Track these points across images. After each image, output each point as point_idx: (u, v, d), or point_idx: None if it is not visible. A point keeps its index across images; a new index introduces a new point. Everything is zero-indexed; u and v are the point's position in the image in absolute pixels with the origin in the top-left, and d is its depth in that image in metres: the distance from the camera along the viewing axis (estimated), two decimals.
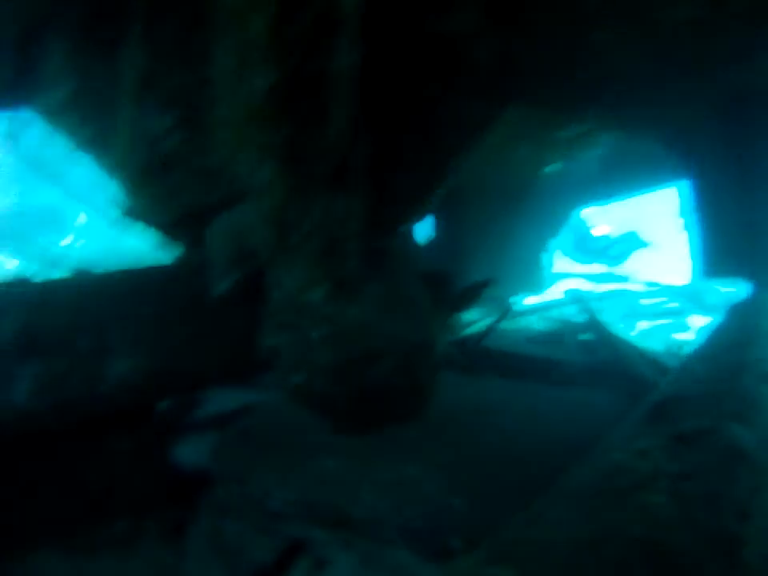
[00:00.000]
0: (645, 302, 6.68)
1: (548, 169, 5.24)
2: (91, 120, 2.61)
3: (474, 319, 4.99)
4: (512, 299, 5.92)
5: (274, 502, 2.40)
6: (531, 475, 2.47)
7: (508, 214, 5.79)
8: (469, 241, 5.74)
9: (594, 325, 4.77)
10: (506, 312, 4.76)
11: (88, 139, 2.65)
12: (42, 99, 2.59)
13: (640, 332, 5.54)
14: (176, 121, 2.27)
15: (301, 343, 1.98)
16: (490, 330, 4.54)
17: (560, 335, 4.89)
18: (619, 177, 5.45)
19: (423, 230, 6.00)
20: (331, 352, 1.93)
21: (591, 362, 4.16)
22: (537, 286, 6.23)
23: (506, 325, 5.39)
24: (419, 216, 2.74)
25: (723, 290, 6.62)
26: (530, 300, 6.19)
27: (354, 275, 2.02)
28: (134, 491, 2.45)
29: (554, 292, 6.41)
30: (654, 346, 5.06)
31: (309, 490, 2.39)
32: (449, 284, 2.41)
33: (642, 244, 8.76)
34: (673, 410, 1.83)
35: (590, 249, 8.29)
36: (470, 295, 2.41)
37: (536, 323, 5.55)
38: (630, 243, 8.55)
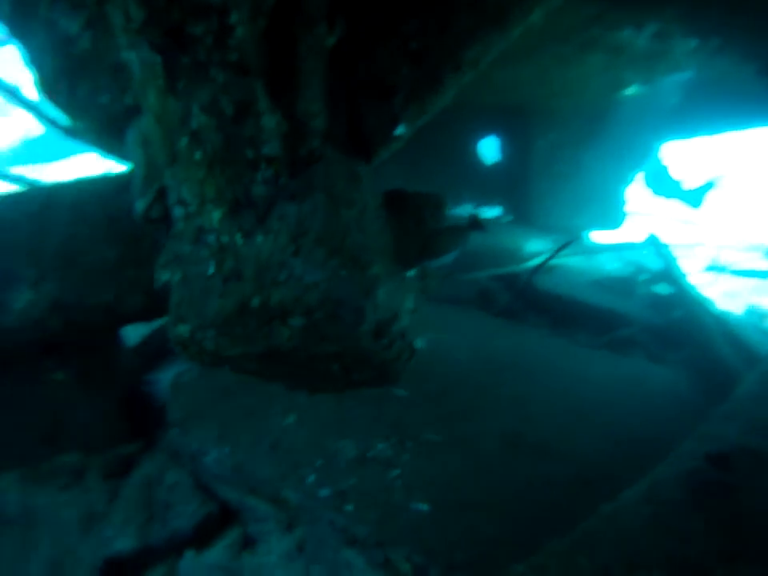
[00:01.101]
0: (730, 256, 5.23)
1: (627, 92, 4.01)
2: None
3: (536, 252, 4.04)
4: (583, 233, 4.83)
5: (209, 460, 1.86)
6: (536, 483, 1.69)
7: (583, 140, 4.63)
8: (537, 166, 4.68)
9: (670, 276, 3.65)
10: (563, 246, 3.76)
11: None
12: None
13: (721, 292, 4.25)
14: (86, 21, 1.65)
15: (193, 282, 1.35)
16: (541, 267, 3.61)
17: (631, 283, 3.83)
18: (706, 108, 4.12)
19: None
20: (222, 298, 1.27)
21: (661, 323, 3.14)
22: (613, 222, 5.04)
23: (573, 263, 4.38)
24: (415, 120, 1.92)
25: None
26: (604, 237, 5.05)
27: (261, 192, 1.31)
28: (82, 424, 2.05)
29: (632, 231, 5.19)
30: (735, 309, 3.84)
31: (249, 454, 1.83)
32: (431, 215, 1.62)
33: (717, 186, 6.92)
34: (740, 487, 0.93)
35: (668, 189, 6.67)
36: (452, 236, 1.58)
37: (607, 264, 4.49)
38: (709, 187, 6.79)
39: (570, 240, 3.97)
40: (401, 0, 1.87)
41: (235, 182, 1.31)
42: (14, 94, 2.43)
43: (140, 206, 1.64)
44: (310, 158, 1.40)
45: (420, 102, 1.96)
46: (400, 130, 1.98)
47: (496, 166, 5.06)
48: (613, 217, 5.00)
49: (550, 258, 3.77)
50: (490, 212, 5.33)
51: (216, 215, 1.34)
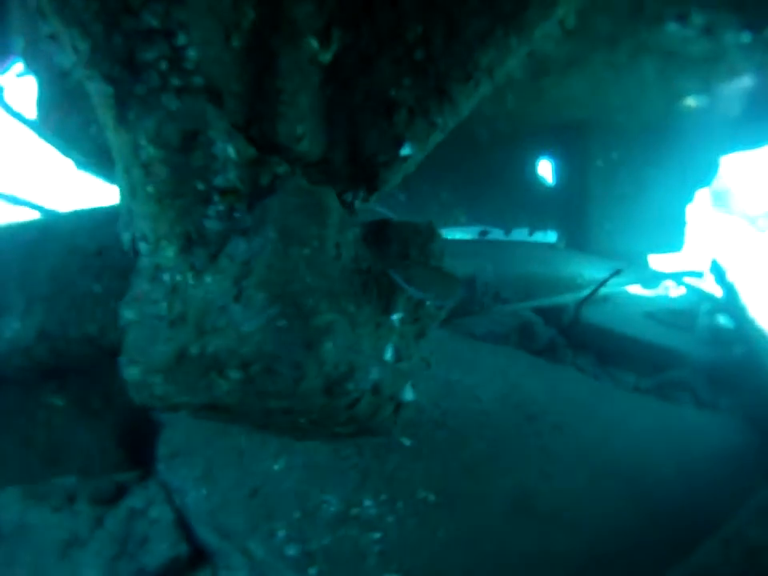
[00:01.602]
0: None
1: (687, 103, 3.64)
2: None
3: (591, 280, 3.69)
4: (642, 258, 4.40)
5: (188, 500, 1.76)
6: (535, 561, 1.43)
7: (644, 158, 4.22)
8: (596, 188, 4.34)
9: (733, 307, 3.19)
10: (612, 275, 3.40)
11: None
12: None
13: None
14: None
15: (146, 323, 1.24)
16: (588, 298, 3.27)
17: (691, 315, 3.39)
18: None
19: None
20: (166, 344, 1.16)
21: (717, 362, 2.72)
22: (674, 244, 4.54)
23: (628, 293, 3.98)
24: (423, 138, 1.71)
25: None
26: (665, 261, 4.56)
27: (214, 228, 1.19)
28: (80, 448, 2.03)
29: (694, 253, 4.66)
30: None
31: (225, 499, 1.70)
32: (419, 249, 1.43)
33: None
34: None
35: (731, 207, 5.92)
36: (441, 280, 1.36)
37: (666, 293, 4.03)
38: None
39: (621, 268, 3.59)
40: (405, 5, 1.69)
41: (186, 216, 1.20)
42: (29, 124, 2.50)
43: (126, 238, 1.58)
44: (272, 188, 1.27)
45: (426, 117, 1.75)
46: (406, 150, 1.76)
47: (552, 188, 4.76)
48: (674, 239, 4.52)
49: (598, 287, 3.42)
50: (545, 236, 5.02)
51: (170, 252, 1.23)
